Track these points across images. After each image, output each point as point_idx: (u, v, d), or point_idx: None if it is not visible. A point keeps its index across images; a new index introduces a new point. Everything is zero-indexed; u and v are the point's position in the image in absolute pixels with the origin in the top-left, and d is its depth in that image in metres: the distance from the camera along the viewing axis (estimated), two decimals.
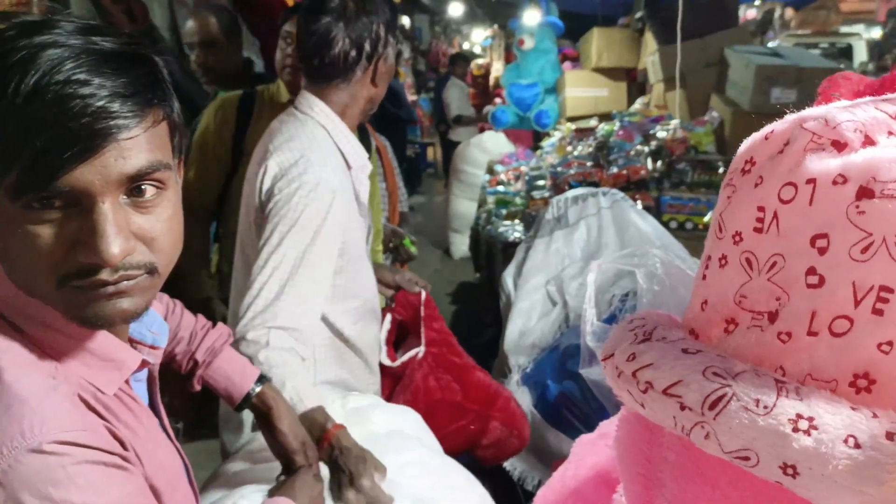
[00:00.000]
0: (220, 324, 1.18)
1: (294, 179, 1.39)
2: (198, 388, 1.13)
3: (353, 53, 1.45)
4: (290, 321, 1.33)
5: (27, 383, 0.63)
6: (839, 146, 0.41)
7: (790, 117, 0.45)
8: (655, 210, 3.11)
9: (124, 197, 0.64)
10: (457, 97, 7.50)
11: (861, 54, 9.42)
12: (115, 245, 0.62)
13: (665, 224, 2.79)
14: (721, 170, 3.33)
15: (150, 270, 0.67)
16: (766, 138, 0.45)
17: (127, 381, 0.74)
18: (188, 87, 3.92)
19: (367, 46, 1.46)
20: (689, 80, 4.28)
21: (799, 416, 0.36)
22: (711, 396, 0.38)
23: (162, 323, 0.86)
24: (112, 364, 0.71)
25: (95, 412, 0.67)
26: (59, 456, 0.60)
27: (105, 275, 0.64)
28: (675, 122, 3.81)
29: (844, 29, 9.85)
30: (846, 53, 9.18)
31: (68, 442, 0.61)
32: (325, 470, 1.19)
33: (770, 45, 6.23)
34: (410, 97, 9.47)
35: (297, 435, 1.13)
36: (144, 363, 0.76)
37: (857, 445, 0.34)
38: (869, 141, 0.41)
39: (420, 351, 1.71)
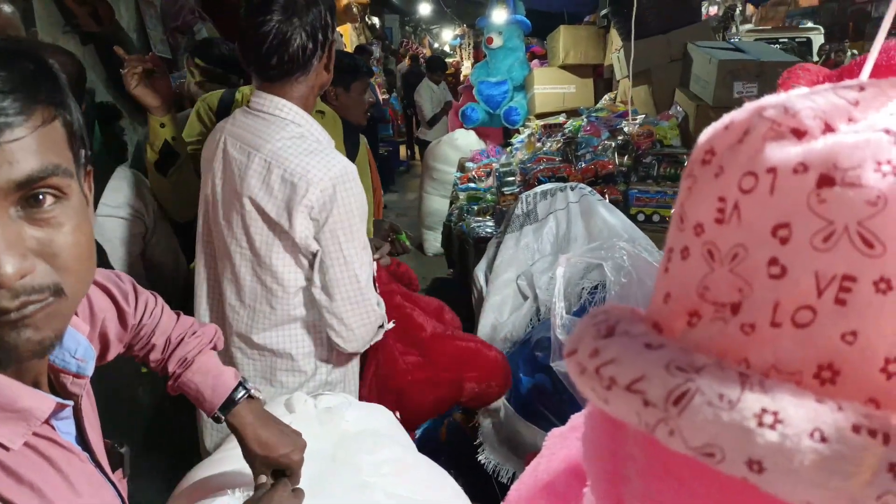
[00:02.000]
0: (206, 327, 1.15)
1: (325, 182, 1.44)
2: (172, 394, 1.11)
3: (311, 45, 1.47)
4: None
5: None
6: (799, 134, 0.40)
7: (749, 106, 0.44)
8: (623, 203, 3.13)
9: (17, 209, 0.56)
10: (427, 98, 7.51)
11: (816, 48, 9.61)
12: (8, 264, 0.54)
13: (633, 217, 2.82)
14: (685, 163, 3.37)
15: (55, 292, 0.58)
16: (726, 128, 0.44)
17: (47, 421, 0.66)
18: None
19: (320, 35, 1.47)
20: (653, 75, 4.32)
21: (764, 411, 0.35)
22: (675, 392, 0.37)
23: (88, 347, 0.77)
24: (17, 415, 0.61)
25: None
26: None
27: (3, 301, 0.55)
28: (640, 117, 3.85)
29: (804, 24, 10.06)
30: (805, 47, 9.38)
31: None
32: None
33: (731, 40, 6.32)
34: (382, 96, 9.44)
35: (269, 459, 1.10)
36: (60, 406, 0.67)
37: (824, 439, 0.33)
38: (829, 128, 0.40)
39: (390, 323, 1.73)
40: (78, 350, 0.75)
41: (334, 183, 1.42)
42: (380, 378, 1.69)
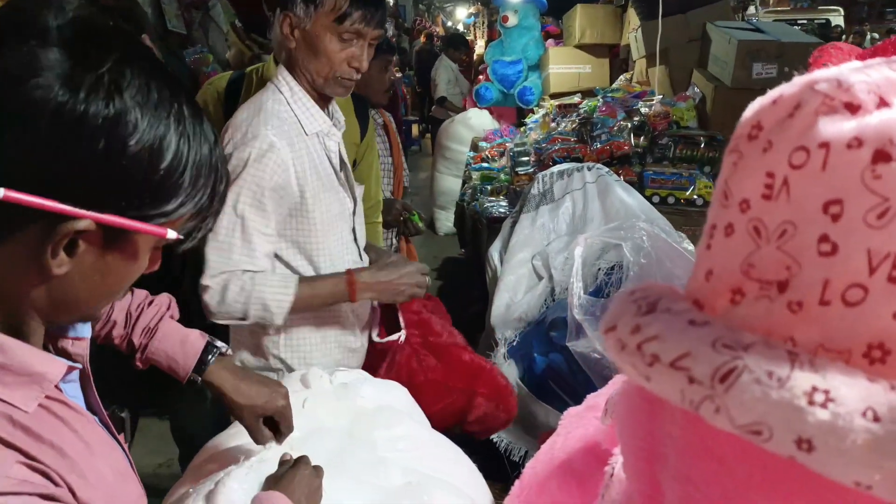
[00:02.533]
0: (159, 297, 1.14)
1: (237, 141, 1.43)
2: (143, 367, 1.10)
3: None
4: (245, 265, 1.43)
5: None
6: (852, 108, 0.39)
7: (799, 79, 0.43)
8: (638, 185, 3.11)
9: None
10: (444, 78, 7.38)
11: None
12: None
13: (648, 199, 2.80)
14: (703, 144, 3.34)
15: None
16: (775, 102, 0.43)
17: (56, 386, 0.67)
18: (171, 65, 3.87)
19: None
20: (671, 55, 4.26)
21: (814, 389, 0.34)
22: (722, 369, 0.37)
23: None
24: (30, 378, 0.63)
25: (9, 445, 0.60)
26: None
27: None
28: (657, 98, 3.80)
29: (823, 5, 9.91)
30: (825, 28, 9.23)
31: None
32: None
33: (751, 20, 6.23)
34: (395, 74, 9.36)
35: (256, 408, 1.12)
36: (70, 369, 0.69)
37: (876, 419, 0.33)
38: (883, 103, 0.39)
39: (401, 335, 1.71)
40: None
41: (243, 146, 1.41)
42: (392, 372, 1.68)
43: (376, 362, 1.70)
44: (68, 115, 0.56)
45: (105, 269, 0.65)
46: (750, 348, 0.37)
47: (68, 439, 0.66)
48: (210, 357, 1.11)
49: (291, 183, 1.45)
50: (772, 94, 0.44)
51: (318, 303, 1.50)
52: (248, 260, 1.42)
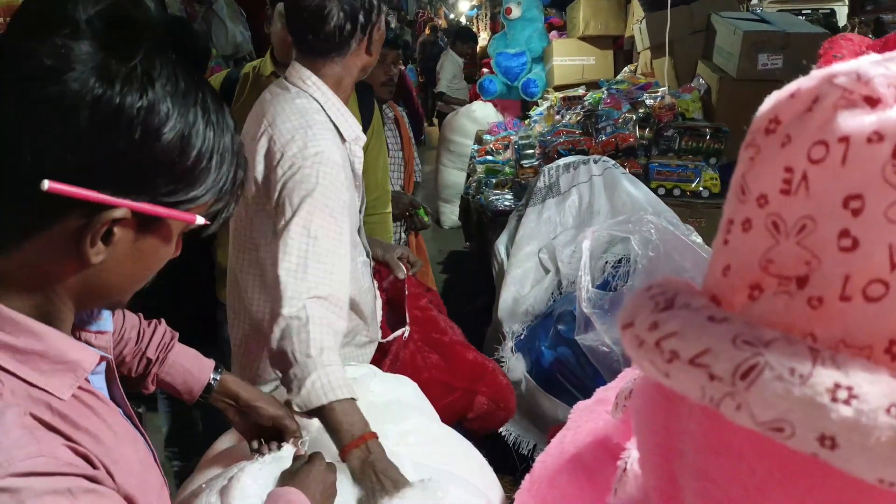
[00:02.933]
0: (161, 321, 1.12)
1: (297, 156, 1.35)
2: (152, 388, 1.08)
3: (349, 26, 1.40)
4: (324, 290, 1.30)
5: None
6: (872, 102, 0.39)
7: (817, 73, 0.42)
8: (644, 177, 3.10)
9: None
10: (449, 73, 7.33)
11: (843, 20, 9.41)
12: None
13: (653, 191, 2.79)
14: (708, 136, 3.32)
15: None
16: (793, 96, 0.43)
17: (86, 378, 0.68)
18: None
19: (361, 17, 1.41)
20: (675, 47, 4.24)
21: (837, 386, 0.34)
22: (743, 366, 0.37)
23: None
24: (66, 366, 0.65)
25: (52, 428, 0.61)
26: (15, 492, 0.55)
27: None
28: (662, 90, 3.79)
29: None
30: (829, 19, 9.17)
31: (27, 472, 0.55)
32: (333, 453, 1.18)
33: (756, 11, 6.19)
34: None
35: (275, 403, 1.13)
36: (102, 359, 0.71)
37: None
38: None
39: (405, 331, 1.70)
40: (95, 311, 0.78)
41: (307, 161, 1.34)
42: (396, 369, 1.67)
43: (379, 358, 1.69)
44: (105, 107, 0.58)
45: (137, 256, 0.67)
46: (771, 345, 0.37)
47: (100, 428, 0.67)
48: (220, 370, 1.11)
49: (348, 195, 1.41)
50: (789, 87, 0.44)
51: (324, 417, 1.22)
52: (326, 281, 1.31)
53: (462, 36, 7.82)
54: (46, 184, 0.56)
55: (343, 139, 1.47)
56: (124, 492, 0.66)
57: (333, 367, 1.24)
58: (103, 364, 0.75)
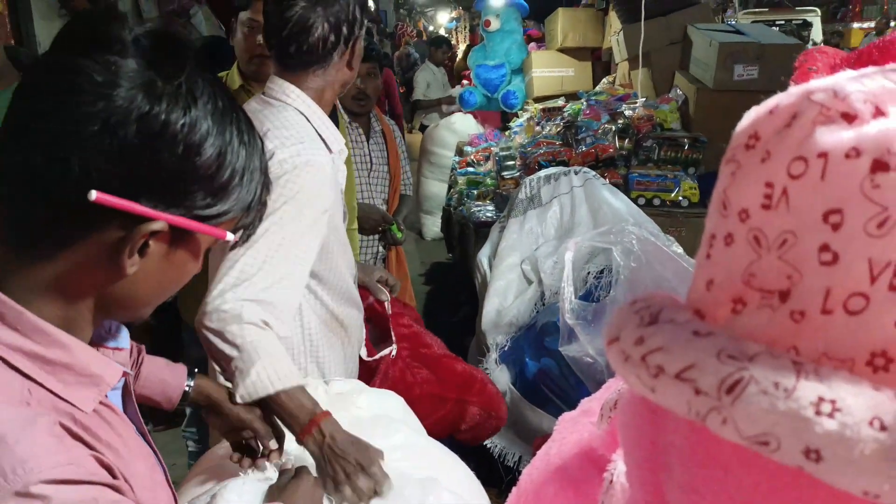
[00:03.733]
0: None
1: (287, 161, 1.33)
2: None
3: (332, 38, 1.40)
4: (265, 295, 1.25)
5: (1, 419, 0.58)
6: (849, 118, 0.40)
7: (795, 89, 0.43)
8: (624, 187, 3.13)
9: None
10: (423, 84, 7.32)
11: (818, 30, 9.60)
12: None
13: (633, 201, 2.81)
14: (686, 146, 3.36)
15: None
16: (771, 112, 0.43)
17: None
18: None
19: (344, 30, 1.41)
20: (653, 58, 4.29)
21: (821, 399, 0.34)
22: (728, 380, 0.37)
23: (118, 325, 0.81)
24: (90, 380, 0.66)
25: (79, 439, 0.62)
26: (45, 499, 0.55)
27: None
28: (641, 101, 3.83)
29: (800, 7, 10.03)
30: (803, 30, 9.34)
31: (57, 480, 0.56)
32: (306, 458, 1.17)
33: (730, 22, 6.29)
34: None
35: (250, 409, 1.13)
36: (125, 374, 0.73)
37: (884, 427, 0.33)
38: (879, 112, 0.39)
39: (392, 349, 1.70)
40: (112, 327, 0.80)
41: (296, 169, 1.32)
42: (387, 387, 1.66)
43: (367, 378, 1.68)
44: (151, 123, 0.60)
45: (167, 269, 0.69)
46: (755, 359, 0.37)
47: (117, 442, 0.68)
48: (193, 373, 1.11)
49: (328, 208, 1.41)
50: (768, 103, 0.45)
51: (274, 406, 1.19)
52: (276, 287, 1.28)
53: (435, 43, 7.84)
54: (94, 194, 0.58)
55: (330, 150, 1.46)
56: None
57: (279, 357, 1.21)
58: (122, 381, 0.76)
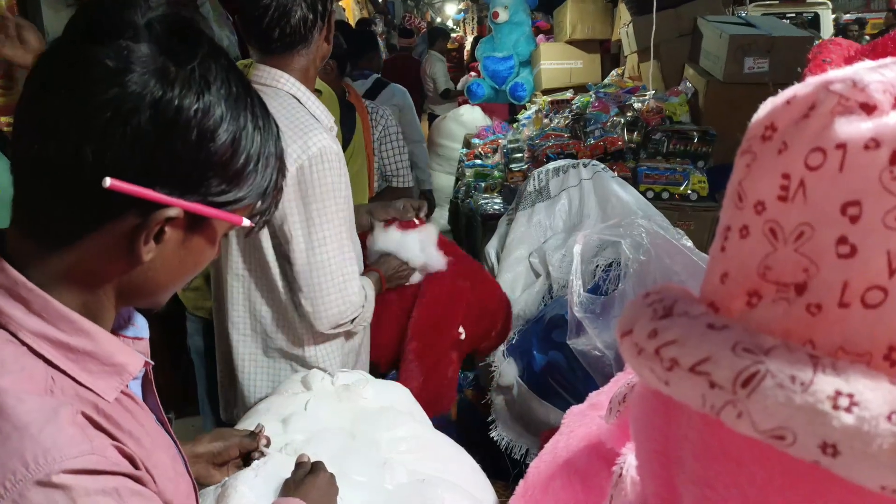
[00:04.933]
0: None
1: (301, 156, 1.38)
2: None
3: (311, 16, 1.44)
4: (357, 300, 1.50)
5: (25, 408, 0.58)
6: (868, 109, 0.39)
7: (813, 80, 0.42)
8: (632, 180, 3.10)
9: None
10: (441, 72, 7.31)
11: (828, 23, 9.51)
12: None
13: (642, 194, 2.79)
14: (696, 139, 3.34)
15: None
16: (788, 103, 0.43)
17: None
18: None
19: (319, 6, 1.44)
20: (662, 50, 4.27)
21: (838, 393, 0.34)
22: (743, 374, 0.37)
23: (138, 315, 0.81)
24: (113, 369, 0.66)
25: (101, 428, 0.62)
26: (68, 489, 0.56)
27: None
28: (650, 93, 3.81)
29: None
30: (814, 23, 9.26)
31: (78, 470, 0.57)
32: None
33: (741, 14, 6.24)
34: None
35: (214, 437, 1.10)
36: (146, 364, 0.73)
37: None
38: None
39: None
40: (132, 317, 0.80)
41: (311, 162, 1.38)
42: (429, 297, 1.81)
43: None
44: (165, 109, 0.60)
45: (184, 255, 0.68)
46: (771, 352, 0.37)
47: (140, 432, 0.68)
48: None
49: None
50: (785, 94, 0.44)
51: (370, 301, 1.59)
52: (353, 290, 1.50)
53: (440, 35, 7.80)
54: (108, 181, 0.58)
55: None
56: (164, 497, 0.67)
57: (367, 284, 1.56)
58: (142, 370, 0.76)
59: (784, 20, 7.02)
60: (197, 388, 2.13)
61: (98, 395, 0.64)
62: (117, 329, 0.77)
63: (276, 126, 0.73)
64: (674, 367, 0.40)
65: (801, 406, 0.34)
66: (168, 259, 0.67)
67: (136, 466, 0.64)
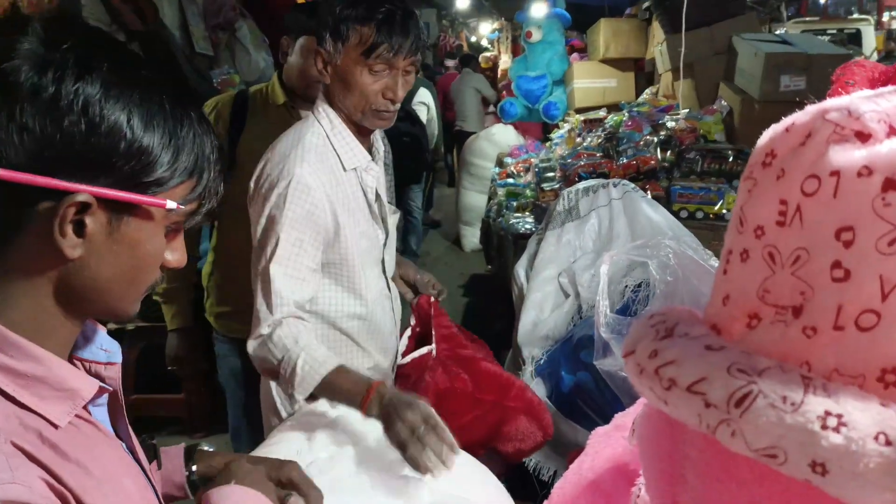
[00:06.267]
0: None
1: (267, 176, 1.42)
2: None
3: None
4: (290, 301, 1.39)
5: None
6: (863, 137, 0.40)
7: (811, 108, 0.44)
8: (666, 200, 3.09)
9: None
10: (487, 86, 7.53)
11: (870, 40, 9.35)
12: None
13: (675, 214, 2.77)
14: (731, 158, 3.31)
15: None
16: (787, 130, 0.44)
17: (85, 407, 0.68)
18: (198, 86, 3.90)
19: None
20: (697, 68, 4.25)
21: (827, 413, 0.35)
22: (737, 394, 0.38)
23: (109, 339, 0.80)
24: (65, 394, 0.65)
25: (34, 459, 0.60)
26: None
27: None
28: (683, 112, 3.79)
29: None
30: (855, 39, 9.11)
31: None
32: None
33: (778, 32, 6.18)
34: None
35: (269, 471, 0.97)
36: (102, 390, 0.71)
37: (888, 443, 0.33)
38: (893, 131, 0.40)
39: (432, 348, 1.69)
40: (104, 342, 0.78)
41: (280, 182, 1.40)
42: (422, 387, 1.65)
43: (403, 384, 1.68)
44: (43, 95, 0.60)
45: (118, 250, 0.67)
46: (764, 373, 0.38)
47: (94, 460, 0.67)
48: (192, 459, 1.00)
49: (327, 221, 1.44)
50: (785, 121, 0.46)
51: (330, 394, 1.31)
52: (295, 294, 1.40)
53: (474, 57, 8.02)
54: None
55: (344, 168, 1.49)
56: None
57: (311, 347, 1.33)
58: (105, 396, 0.74)
59: (824, 37, 6.93)
60: (228, 411, 2.14)
61: (48, 420, 0.63)
62: (91, 356, 0.76)
63: (197, 111, 0.72)
64: (672, 387, 0.41)
65: (792, 426, 0.36)
66: (102, 255, 0.65)
67: (66, 501, 0.61)
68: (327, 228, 1.45)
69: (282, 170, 1.41)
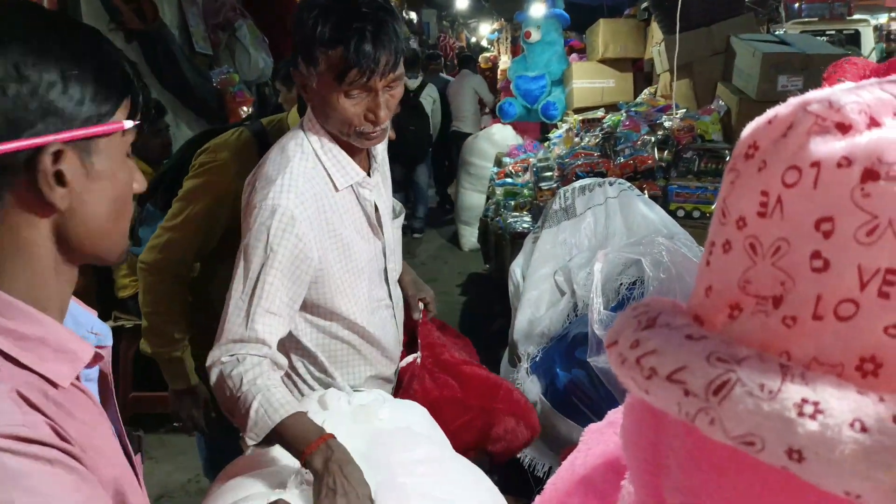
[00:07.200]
0: None
1: (253, 208, 1.37)
2: None
3: None
4: (248, 333, 1.33)
5: None
6: (844, 128, 0.40)
7: (793, 100, 0.44)
8: (663, 199, 3.10)
9: None
10: (485, 88, 7.58)
11: (869, 40, 9.36)
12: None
13: (672, 213, 2.78)
14: (728, 158, 3.32)
15: None
16: (770, 122, 0.44)
17: (78, 378, 0.71)
18: (199, 85, 3.90)
19: None
20: (695, 69, 4.26)
21: (804, 401, 0.35)
22: (715, 382, 0.38)
23: (101, 323, 0.83)
24: (66, 355, 0.68)
25: (39, 410, 0.63)
26: None
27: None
28: (681, 112, 3.80)
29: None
30: (854, 40, 9.12)
31: (7, 435, 0.58)
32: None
33: (776, 32, 6.19)
34: None
35: None
36: (98, 357, 0.73)
37: (864, 429, 0.34)
38: (874, 122, 0.40)
39: (417, 356, 1.69)
40: (94, 325, 0.81)
41: (263, 213, 1.35)
42: (409, 393, 1.64)
43: (395, 390, 1.68)
44: None
45: (99, 187, 0.70)
46: (743, 362, 0.38)
47: (93, 421, 0.70)
48: None
49: (312, 253, 1.39)
50: (768, 114, 0.46)
51: (280, 440, 1.25)
52: (265, 329, 1.35)
53: (468, 62, 8.09)
54: None
55: (336, 188, 1.44)
56: (116, 485, 0.68)
57: (269, 390, 1.26)
58: (97, 371, 0.77)
59: (822, 38, 6.93)
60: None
61: (50, 381, 0.66)
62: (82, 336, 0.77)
63: (97, 34, 0.74)
64: (652, 376, 0.41)
65: (769, 413, 0.36)
66: (84, 198, 0.69)
67: (73, 456, 0.64)
68: (311, 260, 1.40)
69: (266, 198, 1.35)
